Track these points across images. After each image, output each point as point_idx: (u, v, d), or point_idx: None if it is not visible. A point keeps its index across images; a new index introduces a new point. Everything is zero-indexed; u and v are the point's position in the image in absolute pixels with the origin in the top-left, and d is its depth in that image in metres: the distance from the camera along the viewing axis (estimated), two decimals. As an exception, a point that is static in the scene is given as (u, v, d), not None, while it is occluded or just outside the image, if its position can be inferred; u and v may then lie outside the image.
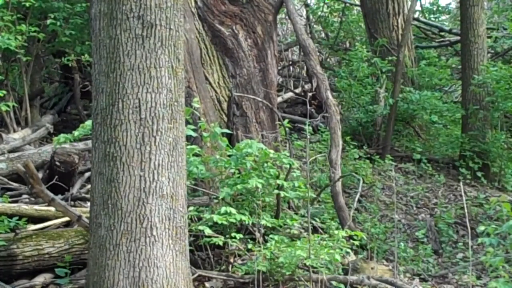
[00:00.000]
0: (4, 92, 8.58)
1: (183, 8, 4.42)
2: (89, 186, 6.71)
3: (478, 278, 6.18)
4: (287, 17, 12.20)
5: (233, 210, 5.29)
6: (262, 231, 5.55)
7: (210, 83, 7.41)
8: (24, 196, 6.78)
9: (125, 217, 4.03)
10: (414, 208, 8.26)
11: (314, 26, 14.80)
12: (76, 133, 5.86)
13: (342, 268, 5.52)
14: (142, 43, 4.08)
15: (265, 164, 5.73)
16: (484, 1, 10.68)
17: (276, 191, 5.74)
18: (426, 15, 14.98)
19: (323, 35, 15.16)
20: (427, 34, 14.15)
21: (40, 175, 6.08)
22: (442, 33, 13.93)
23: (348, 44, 14.48)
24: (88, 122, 5.50)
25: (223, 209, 5.28)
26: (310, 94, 11.82)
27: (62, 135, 6.07)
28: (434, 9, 15.11)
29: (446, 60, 12.36)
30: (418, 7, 14.52)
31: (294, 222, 5.89)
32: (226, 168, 5.81)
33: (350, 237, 5.61)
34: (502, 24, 13.41)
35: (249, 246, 5.45)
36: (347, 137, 9.07)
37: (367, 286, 5.23)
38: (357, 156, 8.89)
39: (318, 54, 12.04)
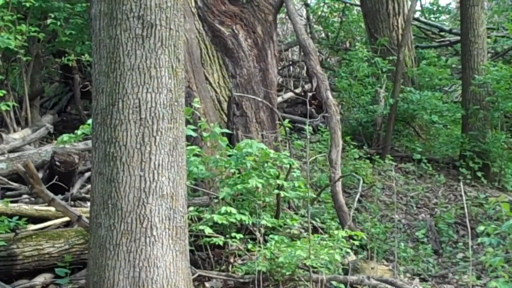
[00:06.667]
0: (4, 92, 8.58)
1: (183, 8, 4.42)
2: (89, 186, 6.72)
3: (478, 278, 6.18)
4: (287, 17, 12.21)
5: (234, 210, 5.29)
6: (262, 231, 5.55)
7: (210, 83, 7.41)
8: (24, 196, 6.78)
9: (125, 217, 4.03)
10: (414, 208, 8.26)
11: (314, 26, 14.80)
12: (79, 132, 5.86)
13: (342, 268, 5.52)
14: (142, 43, 4.08)
15: (265, 164, 5.73)
16: (484, 1, 10.67)
17: (276, 191, 5.73)
18: (426, 15, 14.99)
19: (323, 35, 15.17)
20: (427, 34, 14.16)
21: (40, 175, 6.08)
22: (442, 33, 13.93)
23: (348, 44, 14.49)
24: (90, 122, 5.50)
25: (223, 209, 5.28)
26: (310, 94, 11.79)
27: (65, 134, 6.07)
28: (434, 9, 15.13)
29: (446, 60, 12.35)
30: (418, 7, 14.54)
31: (294, 222, 5.89)
32: (226, 168, 5.81)
33: (350, 237, 5.61)
34: (502, 24, 13.40)
35: (249, 246, 5.45)
36: (347, 137, 9.07)
37: (367, 286, 5.23)
38: (357, 156, 8.89)
39: (318, 54, 12.03)
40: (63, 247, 5.32)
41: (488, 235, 4.56)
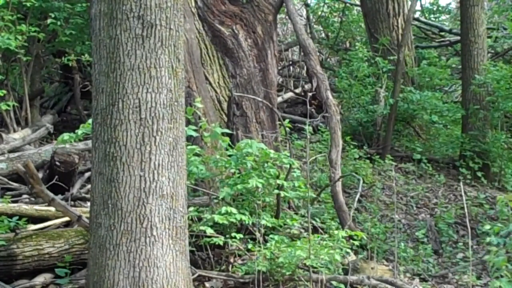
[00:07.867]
0: (4, 92, 8.59)
1: (183, 8, 4.42)
2: (89, 186, 6.72)
3: (478, 278, 6.18)
4: (287, 17, 12.20)
5: (234, 210, 5.29)
6: (262, 231, 5.54)
7: (210, 83, 7.41)
8: (24, 196, 6.78)
9: (125, 217, 4.03)
10: (414, 208, 8.25)
11: (314, 26, 14.80)
12: (79, 132, 5.85)
13: (342, 268, 5.52)
14: (142, 43, 4.08)
15: (265, 164, 5.72)
16: (484, 1, 10.67)
17: (276, 191, 5.73)
18: (426, 15, 14.99)
19: (323, 35, 15.17)
20: (427, 34, 14.16)
21: (40, 175, 6.08)
22: (442, 33, 13.93)
23: (348, 44, 14.49)
24: (91, 121, 5.50)
25: (223, 209, 5.28)
26: (310, 94, 11.80)
27: (65, 133, 6.06)
28: (434, 9, 15.12)
29: (446, 60, 12.35)
30: (418, 7, 14.54)
31: (294, 222, 5.89)
32: (226, 168, 5.81)
33: (350, 237, 5.61)
34: (502, 24, 13.41)
35: (249, 246, 5.45)
36: (347, 137, 9.07)
37: (367, 286, 5.23)
38: (357, 156, 8.89)
39: (318, 54, 12.03)
40: (63, 247, 5.32)
41: (490, 234, 4.56)
